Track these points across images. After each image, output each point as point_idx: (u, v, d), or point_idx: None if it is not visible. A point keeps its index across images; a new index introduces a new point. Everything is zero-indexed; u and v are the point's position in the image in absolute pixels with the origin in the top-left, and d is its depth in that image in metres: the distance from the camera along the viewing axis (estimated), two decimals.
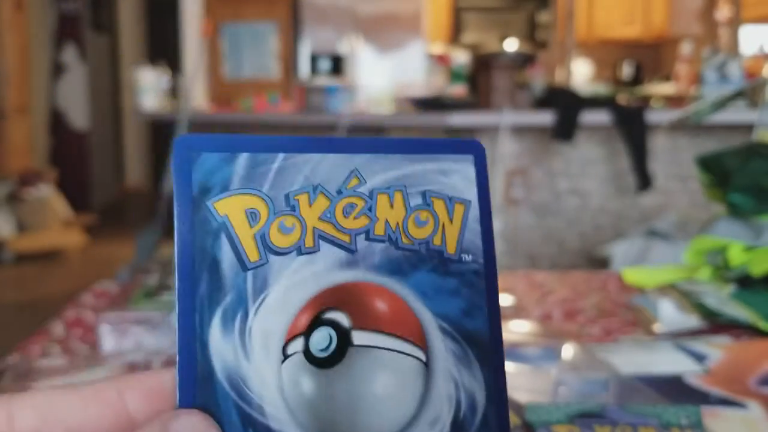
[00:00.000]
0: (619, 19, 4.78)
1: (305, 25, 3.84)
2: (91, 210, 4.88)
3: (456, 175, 0.25)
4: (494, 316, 0.24)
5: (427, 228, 0.24)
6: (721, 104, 0.99)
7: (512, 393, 0.49)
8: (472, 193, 0.25)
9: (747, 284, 0.74)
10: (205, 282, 0.22)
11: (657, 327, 0.67)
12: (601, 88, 4.00)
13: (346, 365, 0.23)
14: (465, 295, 0.24)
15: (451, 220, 0.24)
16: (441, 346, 0.23)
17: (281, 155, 0.23)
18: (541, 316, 0.72)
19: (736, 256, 0.76)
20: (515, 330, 0.67)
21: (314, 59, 3.78)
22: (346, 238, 0.23)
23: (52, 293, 3.15)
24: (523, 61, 2.68)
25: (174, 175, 0.23)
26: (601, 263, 2.29)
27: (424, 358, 0.23)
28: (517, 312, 0.73)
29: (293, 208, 0.23)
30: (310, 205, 0.23)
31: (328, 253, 0.23)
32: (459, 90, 3.10)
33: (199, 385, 0.22)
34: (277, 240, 0.23)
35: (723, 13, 3.63)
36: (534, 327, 0.68)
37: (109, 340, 0.63)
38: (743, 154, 0.82)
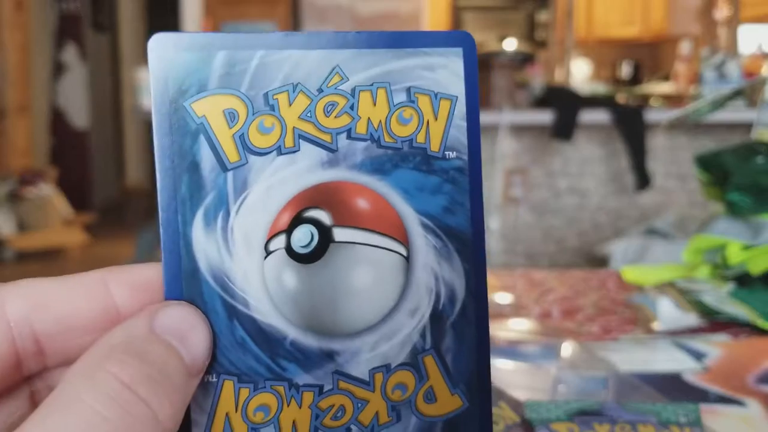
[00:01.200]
0: (618, 19, 4.78)
1: (305, 25, 3.84)
2: (91, 209, 4.88)
3: (443, 70, 0.24)
4: (477, 212, 0.24)
5: (411, 125, 0.24)
6: (720, 103, 1.00)
7: (511, 391, 0.49)
8: (459, 89, 0.24)
9: (745, 282, 0.74)
10: (185, 183, 0.22)
11: (656, 325, 0.67)
12: (600, 88, 4.00)
13: (328, 260, 0.23)
14: (448, 192, 0.24)
15: (436, 117, 0.24)
16: (422, 241, 0.24)
17: (260, 53, 0.23)
18: (540, 315, 0.72)
19: (735, 254, 0.76)
20: (514, 328, 0.67)
21: None
22: (327, 138, 0.23)
23: None
24: (523, 60, 2.68)
25: (151, 75, 0.22)
26: (600, 262, 2.29)
27: (405, 253, 0.23)
28: (517, 310, 0.73)
29: (273, 108, 0.23)
30: (290, 104, 0.23)
31: (309, 152, 0.23)
32: None
33: (185, 280, 0.22)
34: (257, 140, 0.23)
35: (722, 12, 3.63)
36: (533, 325, 0.68)
37: None
38: (742, 153, 0.82)
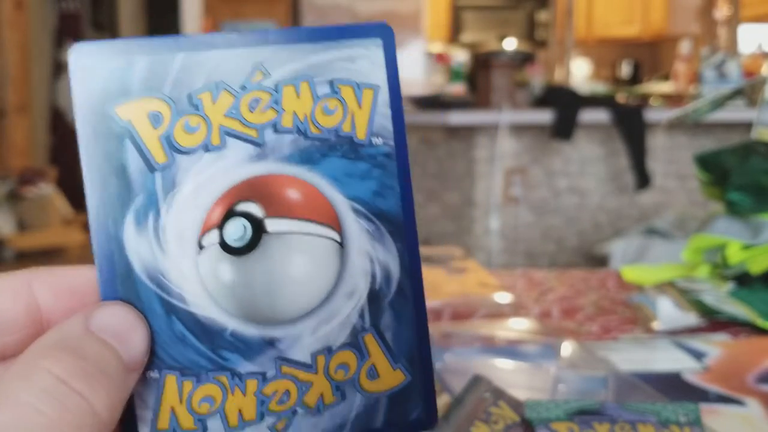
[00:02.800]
0: (618, 18, 4.78)
1: (305, 24, 3.84)
2: None
3: (363, 61, 0.25)
4: (406, 194, 0.25)
5: (336, 116, 0.24)
6: (720, 103, 1.00)
7: (511, 390, 0.49)
8: (380, 78, 0.25)
9: (745, 282, 0.74)
10: (113, 186, 0.23)
11: (656, 325, 0.67)
12: (600, 87, 4.00)
13: (262, 252, 0.24)
14: (376, 177, 0.24)
15: (360, 106, 0.24)
16: (355, 226, 0.24)
17: (181, 55, 0.23)
18: (539, 314, 0.72)
19: (735, 254, 0.76)
20: (514, 328, 0.67)
21: None
22: (253, 133, 0.24)
23: None
24: (522, 59, 2.68)
25: (73, 84, 0.23)
26: (600, 261, 2.29)
27: (338, 239, 0.24)
28: (516, 310, 0.73)
29: (197, 108, 0.23)
30: (214, 102, 0.23)
31: (236, 148, 0.23)
32: (458, 89, 3.10)
33: (119, 282, 0.23)
34: (183, 140, 0.23)
35: (722, 12, 3.63)
36: (533, 325, 0.68)
37: None
38: (742, 153, 0.82)
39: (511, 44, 4.21)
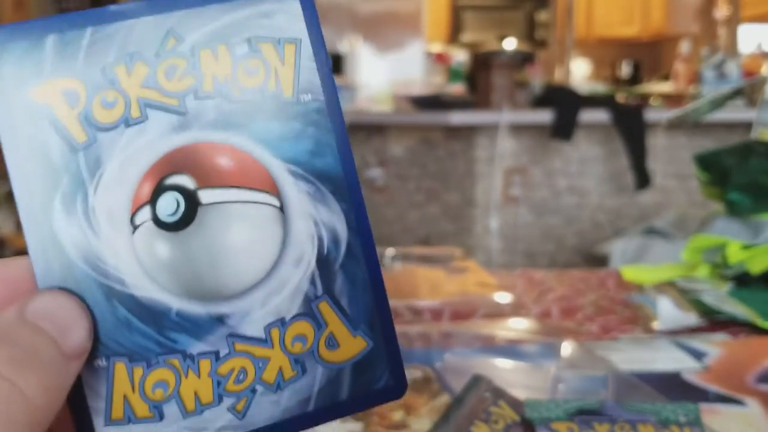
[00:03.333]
0: (618, 18, 4.78)
1: None
2: None
3: (280, 15, 0.23)
4: (344, 150, 0.24)
5: (259, 76, 0.23)
6: (720, 103, 1.00)
7: (511, 390, 0.49)
8: (301, 31, 0.24)
9: (745, 282, 0.74)
10: (38, 172, 0.22)
11: (656, 324, 0.67)
12: (600, 87, 4.00)
13: (199, 224, 0.23)
14: (311, 135, 0.23)
15: (283, 63, 0.23)
16: (293, 189, 0.23)
17: (89, 29, 0.22)
18: (539, 314, 0.72)
19: (734, 254, 0.76)
20: (514, 327, 0.67)
21: None
22: (173, 102, 0.23)
23: None
24: (522, 59, 2.68)
25: None
26: (599, 261, 2.29)
27: (278, 204, 0.23)
28: (516, 309, 0.73)
29: (112, 82, 0.22)
30: (129, 74, 0.22)
31: (158, 120, 0.22)
32: (458, 89, 3.10)
33: (56, 269, 0.22)
34: (102, 116, 0.22)
35: (721, 11, 3.63)
36: (533, 324, 0.68)
37: None
38: (741, 153, 0.82)
39: (510, 44, 4.21)
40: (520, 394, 0.49)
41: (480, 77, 2.56)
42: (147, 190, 0.22)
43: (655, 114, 2.39)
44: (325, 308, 0.23)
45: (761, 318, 0.67)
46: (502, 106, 2.40)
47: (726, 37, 3.58)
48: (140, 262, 0.22)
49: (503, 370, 0.56)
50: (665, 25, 4.70)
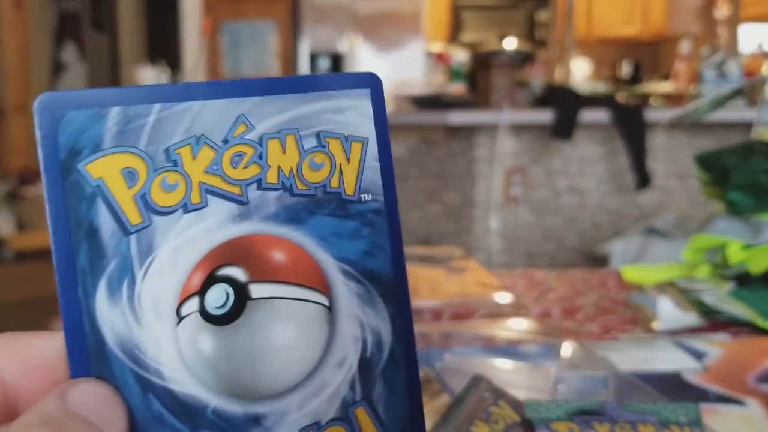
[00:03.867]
0: (618, 18, 4.78)
1: (304, 24, 3.84)
2: None
3: (351, 112, 0.23)
4: (397, 253, 0.23)
5: (323, 171, 0.23)
6: (720, 102, 1.00)
7: (511, 390, 0.49)
8: (369, 130, 0.23)
9: (745, 282, 0.74)
10: (84, 251, 0.21)
11: (656, 324, 0.67)
12: (600, 87, 4.00)
13: (246, 320, 0.22)
14: (366, 236, 0.23)
15: (348, 160, 0.23)
16: (344, 288, 0.23)
17: (157, 106, 0.21)
18: (540, 314, 0.72)
19: (735, 253, 0.76)
20: (514, 328, 0.67)
21: (314, 58, 3.78)
22: (236, 190, 0.22)
23: (53, 291, 3.15)
24: (522, 59, 2.68)
25: (39, 138, 0.21)
26: (600, 261, 2.29)
27: (327, 303, 0.23)
28: (516, 310, 0.73)
29: (175, 163, 0.21)
30: (194, 158, 0.22)
31: (218, 207, 0.22)
32: (458, 88, 3.10)
33: (91, 357, 0.21)
34: (160, 199, 0.21)
35: (722, 11, 3.63)
36: (533, 325, 0.68)
37: None
38: (742, 153, 0.82)
39: (511, 44, 4.21)
40: (520, 394, 0.49)
41: (480, 77, 2.56)
42: (198, 280, 0.22)
43: (655, 114, 2.39)
44: (362, 414, 0.23)
45: (761, 318, 0.67)
46: (503, 106, 2.40)
47: (726, 37, 3.57)
48: (182, 356, 0.21)
49: (503, 370, 0.56)
50: (665, 25, 4.70)
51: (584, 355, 0.58)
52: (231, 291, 0.22)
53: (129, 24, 6.18)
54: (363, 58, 3.80)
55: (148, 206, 0.21)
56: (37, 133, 0.21)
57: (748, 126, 0.94)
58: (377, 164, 0.23)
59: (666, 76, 4.24)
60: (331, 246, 0.23)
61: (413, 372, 0.23)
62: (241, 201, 0.22)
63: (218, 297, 0.22)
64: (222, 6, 3.93)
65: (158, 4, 6.00)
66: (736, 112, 2.11)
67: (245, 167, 0.22)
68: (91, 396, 0.20)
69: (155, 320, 0.21)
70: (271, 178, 0.22)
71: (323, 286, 0.23)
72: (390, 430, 0.23)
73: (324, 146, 0.23)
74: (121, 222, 0.21)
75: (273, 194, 0.22)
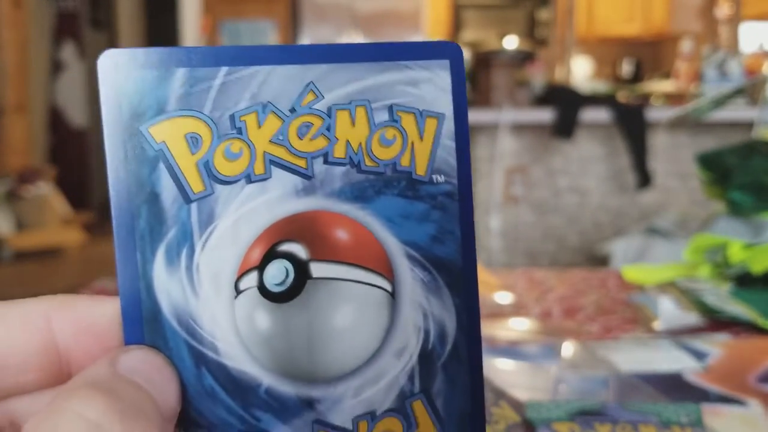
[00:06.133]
0: (619, 17, 4.78)
1: (304, 23, 3.84)
2: (90, 208, 4.88)
3: (428, 85, 0.22)
4: (467, 240, 0.22)
5: (394, 147, 0.22)
6: (721, 102, 0.99)
7: (512, 390, 0.48)
8: (446, 106, 0.22)
9: (747, 282, 0.74)
10: (144, 217, 0.20)
11: (657, 324, 0.67)
12: (601, 86, 4.00)
13: (305, 299, 0.21)
14: (435, 220, 0.22)
15: (421, 138, 0.22)
16: (408, 274, 0.22)
17: (224, 69, 0.21)
18: (540, 314, 0.72)
19: (736, 253, 0.76)
20: (515, 328, 0.67)
21: None
22: (301, 163, 0.21)
23: (52, 291, 3.14)
24: (523, 58, 2.68)
25: (102, 97, 0.20)
26: (600, 261, 2.29)
27: (389, 288, 0.22)
28: (517, 309, 0.73)
29: (240, 131, 0.21)
30: (260, 126, 0.21)
31: (282, 179, 0.21)
32: None
33: (146, 324, 0.20)
34: (223, 167, 0.21)
35: (723, 10, 3.63)
36: (533, 325, 0.68)
37: None
38: (743, 152, 0.82)
39: (511, 43, 4.21)
40: (521, 394, 0.48)
41: (480, 76, 2.56)
42: (257, 254, 0.21)
43: (656, 113, 2.39)
44: (419, 408, 0.22)
45: (763, 318, 0.66)
46: (503, 105, 2.39)
47: (727, 36, 3.57)
48: (238, 331, 0.21)
49: (504, 370, 0.56)
50: (667, 24, 4.70)
51: (585, 356, 0.58)
52: (291, 268, 0.21)
53: (128, 23, 6.18)
54: None
55: (210, 174, 0.21)
56: (101, 92, 0.20)
57: (749, 125, 0.94)
58: (452, 143, 0.22)
59: (667, 75, 4.23)
60: (398, 228, 0.22)
61: (477, 369, 0.22)
62: (306, 175, 0.21)
63: (278, 273, 0.21)
64: (221, 5, 3.93)
65: (158, 3, 6.00)
66: (738, 111, 2.11)
67: (312, 139, 0.21)
68: (144, 362, 0.20)
69: (213, 293, 0.21)
70: (339, 152, 0.21)
71: (387, 271, 0.22)
72: (448, 428, 0.22)
73: (396, 121, 0.22)
74: (183, 189, 0.21)
75: (339, 169, 0.21)
